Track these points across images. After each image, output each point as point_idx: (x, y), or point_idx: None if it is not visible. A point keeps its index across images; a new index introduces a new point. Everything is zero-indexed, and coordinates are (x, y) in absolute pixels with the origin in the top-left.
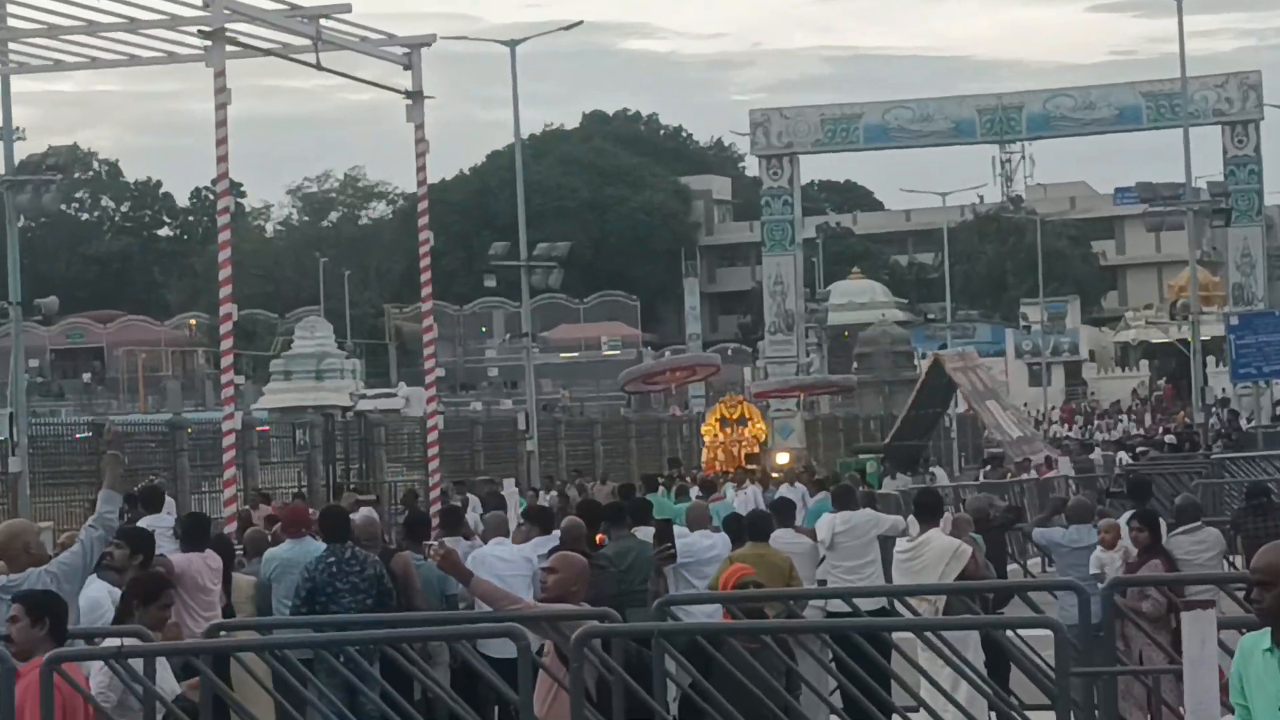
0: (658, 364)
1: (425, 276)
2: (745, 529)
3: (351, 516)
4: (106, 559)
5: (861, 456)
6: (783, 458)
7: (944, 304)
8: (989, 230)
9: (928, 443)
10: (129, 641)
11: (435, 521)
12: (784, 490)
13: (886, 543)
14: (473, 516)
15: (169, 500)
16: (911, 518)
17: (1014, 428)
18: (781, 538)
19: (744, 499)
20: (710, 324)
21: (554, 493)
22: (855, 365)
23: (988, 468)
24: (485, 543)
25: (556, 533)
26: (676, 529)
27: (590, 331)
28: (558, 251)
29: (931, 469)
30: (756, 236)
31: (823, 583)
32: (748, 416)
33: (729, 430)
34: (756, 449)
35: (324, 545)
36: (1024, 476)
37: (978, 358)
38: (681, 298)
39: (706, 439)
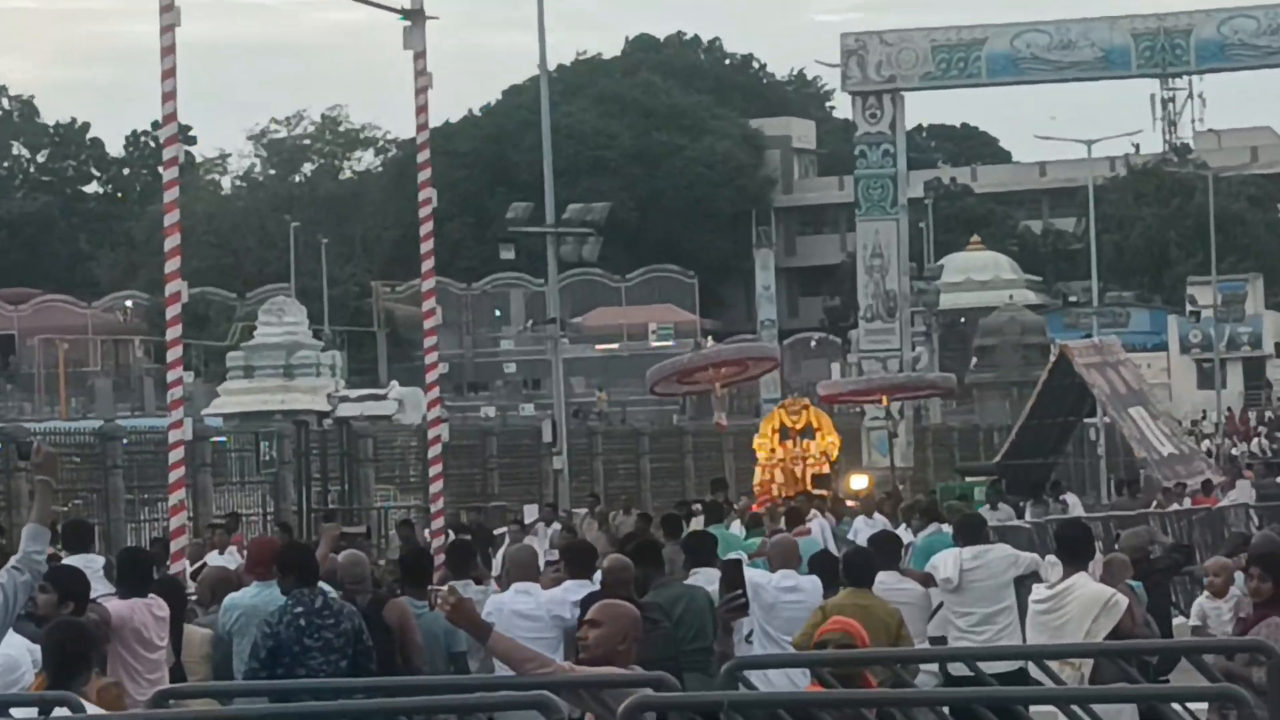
0: (696, 357)
1: (425, 246)
2: (842, 571)
3: (333, 554)
4: (30, 606)
5: (968, 479)
6: (859, 481)
7: (1088, 283)
8: (1146, 189)
9: (1056, 461)
10: (57, 712)
11: (439, 560)
12: (860, 523)
13: (1019, 589)
14: (541, 546)
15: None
16: (1051, 558)
17: (1164, 442)
18: (885, 583)
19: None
20: (788, 308)
21: (593, 521)
22: (975, 361)
23: (1121, 494)
24: (506, 587)
25: (596, 575)
26: (749, 570)
27: (635, 317)
28: (594, 215)
29: (1063, 496)
30: (848, 196)
31: (937, 640)
32: (815, 426)
33: (790, 444)
34: (826, 469)
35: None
36: (1173, 507)
37: (1120, 350)
38: (751, 274)
39: (760, 455)
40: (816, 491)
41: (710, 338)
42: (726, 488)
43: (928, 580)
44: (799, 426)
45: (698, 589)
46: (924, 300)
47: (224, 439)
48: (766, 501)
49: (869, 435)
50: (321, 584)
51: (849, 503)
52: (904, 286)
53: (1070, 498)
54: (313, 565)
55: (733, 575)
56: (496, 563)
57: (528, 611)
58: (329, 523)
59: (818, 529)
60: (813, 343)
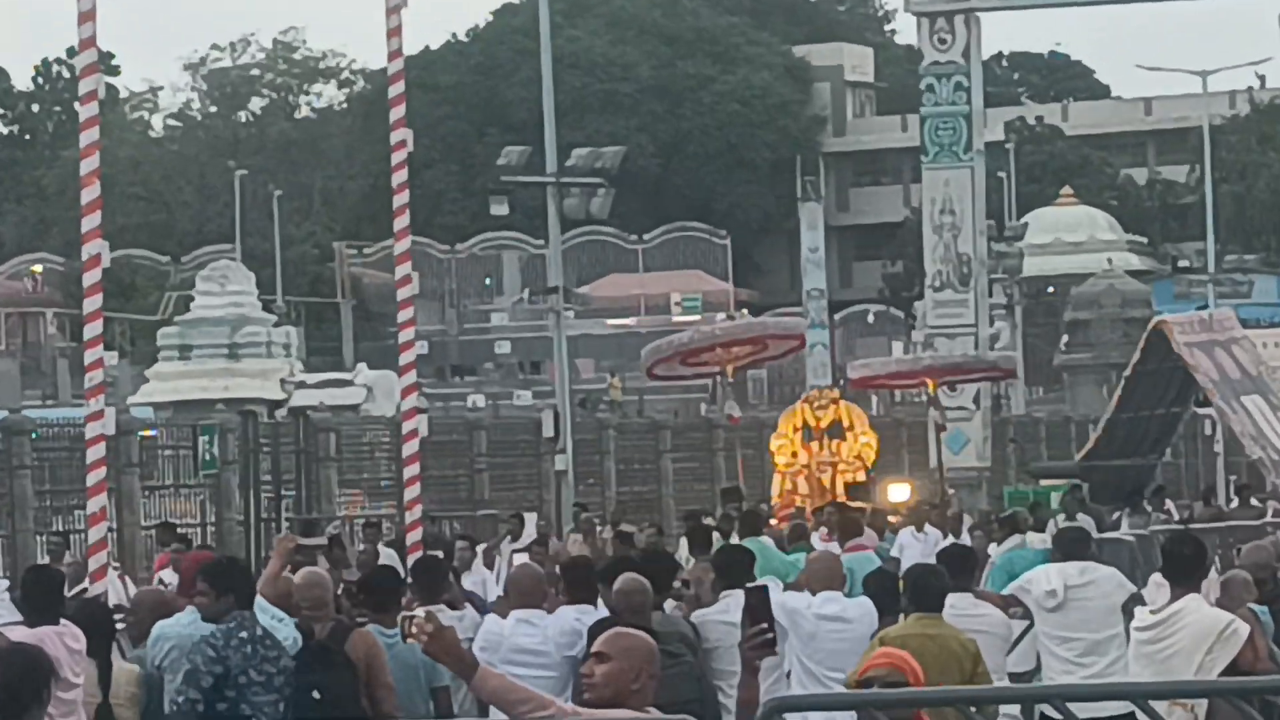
0: (702, 334)
1: (399, 200)
2: (906, 593)
3: (285, 574)
4: None
5: (1042, 484)
6: (900, 491)
7: (1203, 245)
8: (1274, 130)
9: (1154, 463)
10: None
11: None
12: (907, 538)
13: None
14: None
15: None
16: (1156, 577)
17: None
18: (955, 607)
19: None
20: (841, 274)
21: (578, 535)
22: (1066, 339)
23: (1233, 503)
24: (505, 613)
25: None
26: (787, 592)
27: (655, 286)
28: (605, 162)
29: (1167, 504)
30: (913, 139)
31: (1020, 678)
32: (846, 423)
33: (816, 446)
34: (862, 475)
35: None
36: None
37: (1234, 325)
38: (796, 234)
39: (779, 460)
40: (851, 503)
41: (745, 310)
42: (742, 497)
43: (1008, 604)
44: (825, 424)
45: (674, 619)
46: (1004, 266)
47: (154, 433)
48: (787, 516)
49: (937, 429)
50: (274, 610)
51: (890, 517)
52: (980, 249)
53: (1172, 506)
54: (251, 586)
55: (758, 604)
56: (475, 584)
57: (532, 646)
58: (282, 537)
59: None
60: (870, 317)
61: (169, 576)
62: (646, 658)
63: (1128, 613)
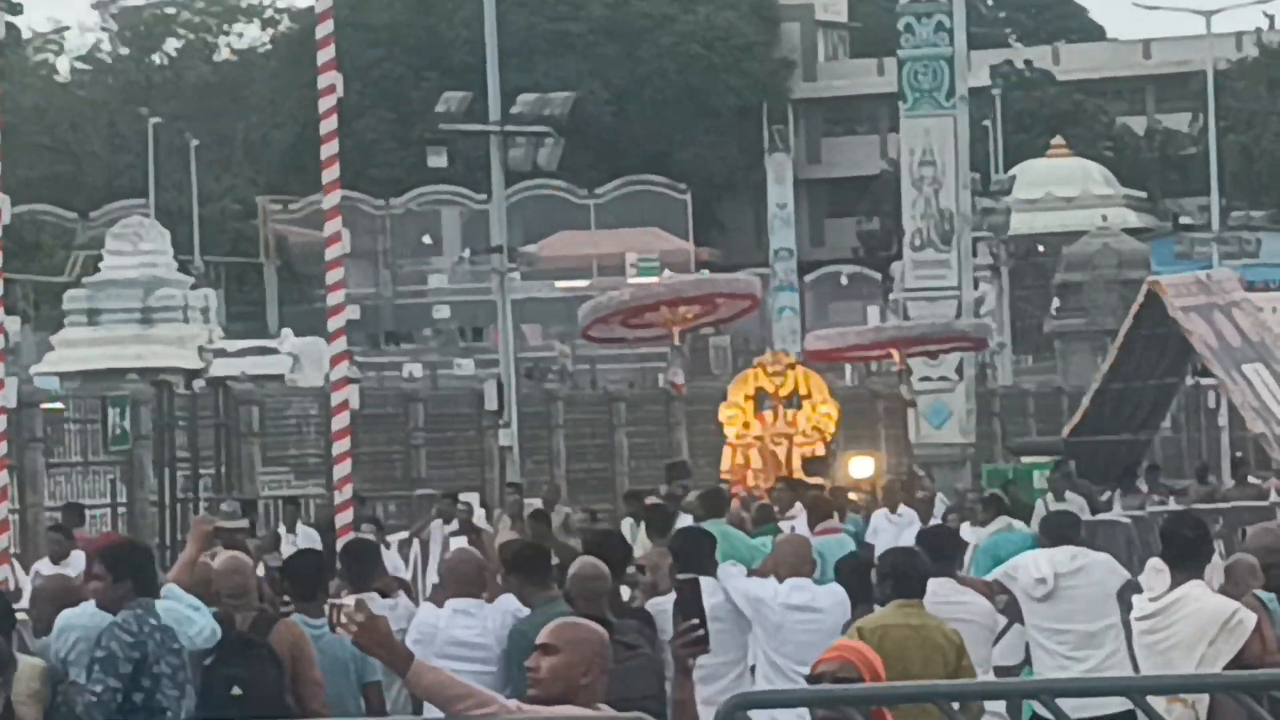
0: (644, 292)
1: (328, 150)
2: (882, 580)
3: (204, 559)
4: None
5: (1025, 461)
6: (862, 466)
7: (1206, 200)
8: None
9: (1150, 437)
10: None
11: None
12: (881, 521)
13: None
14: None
15: None
16: (1155, 562)
17: None
18: (937, 594)
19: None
20: (811, 232)
21: (506, 518)
22: (1057, 303)
23: (1230, 483)
24: (441, 602)
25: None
26: (752, 579)
27: (608, 244)
28: (553, 109)
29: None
30: (890, 85)
31: (1006, 673)
32: (804, 392)
33: (771, 416)
34: (820, 449)
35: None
36: None
37: (1235, 287)
38: (762, 189)
39: (730, 431)
40: (811, 480)
41: (707, 270)
42: (689, 473)
43: (993, 591)
44: (782, 392)
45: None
46: (990, 223)
47: (60, 405)
48: (738, 494)
49: (918, 400)
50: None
51: (851, 495)
52: (964, 204)
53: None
54: (152, 572)
55: (689, 597)
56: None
57: (470, 638)
58: (200, 517)
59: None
60: (843, 278)
61: (46, 568)
62: (597, 650)
63: (1124, 601)
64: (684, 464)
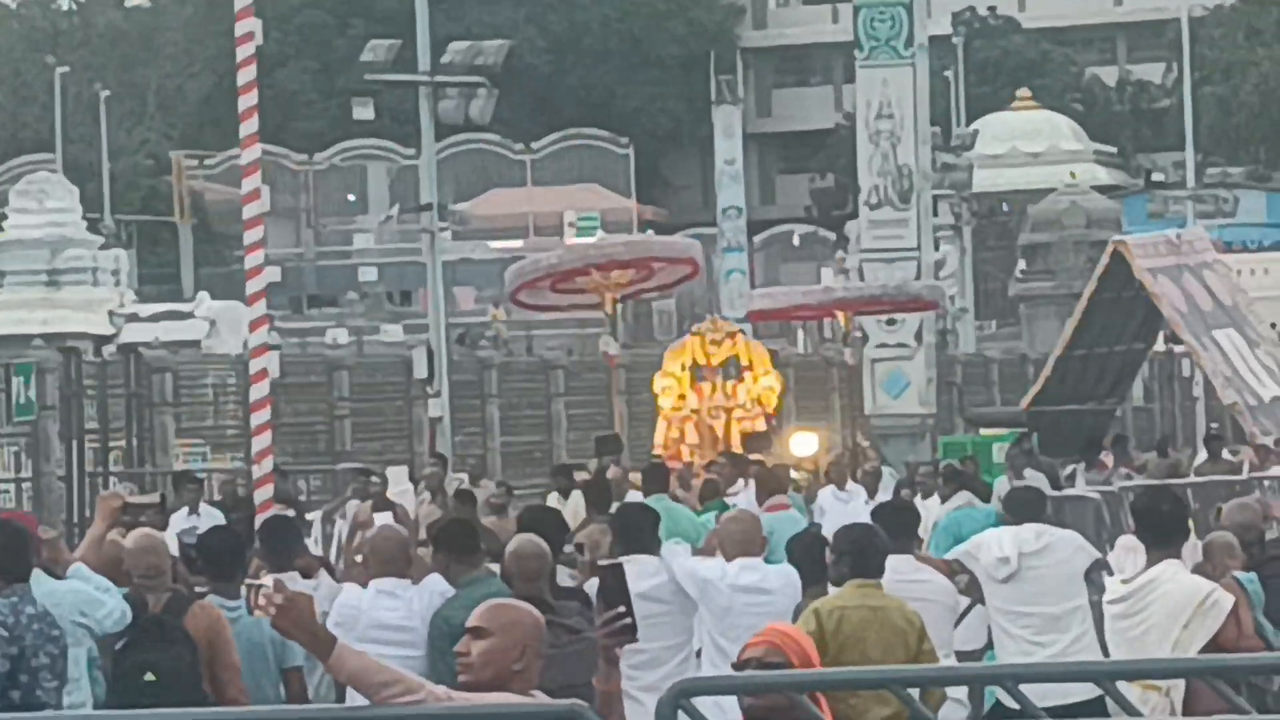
0: (573, 254)
1: (246, 102)
2: (839, 559)
3: (115, 536)
4: None
5: (984, 433)
6: (804, 443)
7: (1181, 155)
8: (1265, 23)
9: (1115, 407)
10: None
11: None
12: (828, 498)
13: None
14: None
15: None
16: (1128, 540)
17: (1264, 381)
18: (896, 572)
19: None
20: (762, 189)
21: (425, 493)
22: (1023, 264)
23: (1201, 457)
24: (364, 583)
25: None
26: (698, 558)
27: (545, 202)
28: (487, 58)
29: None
30: (845, 33)
31: (968, 657)
32: (745, 361)
33: (709, 388)
34: (762, 423)
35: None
36: (1274, 470)
37: (1206, 246)
38: (709, 143)
39: (663, 403)
40: (752, 456)
41: (651, 230)
42: (621, 448)
43: (954, 570)
44: (719, 362)
45: (492, 579)
46: (951, 180)
47: None
48: (673, 470)
49: (874, 370)
50: (97, 579)
51: (793, 473)
52: (923, 160)
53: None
54: (26, 554)
55: (613, 584)
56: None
57: (394, 620)
58: (107, 493)
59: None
60: (795, 239)
61: None
62: (532, 633)
63: (1093, 582)
64: (615, 438)
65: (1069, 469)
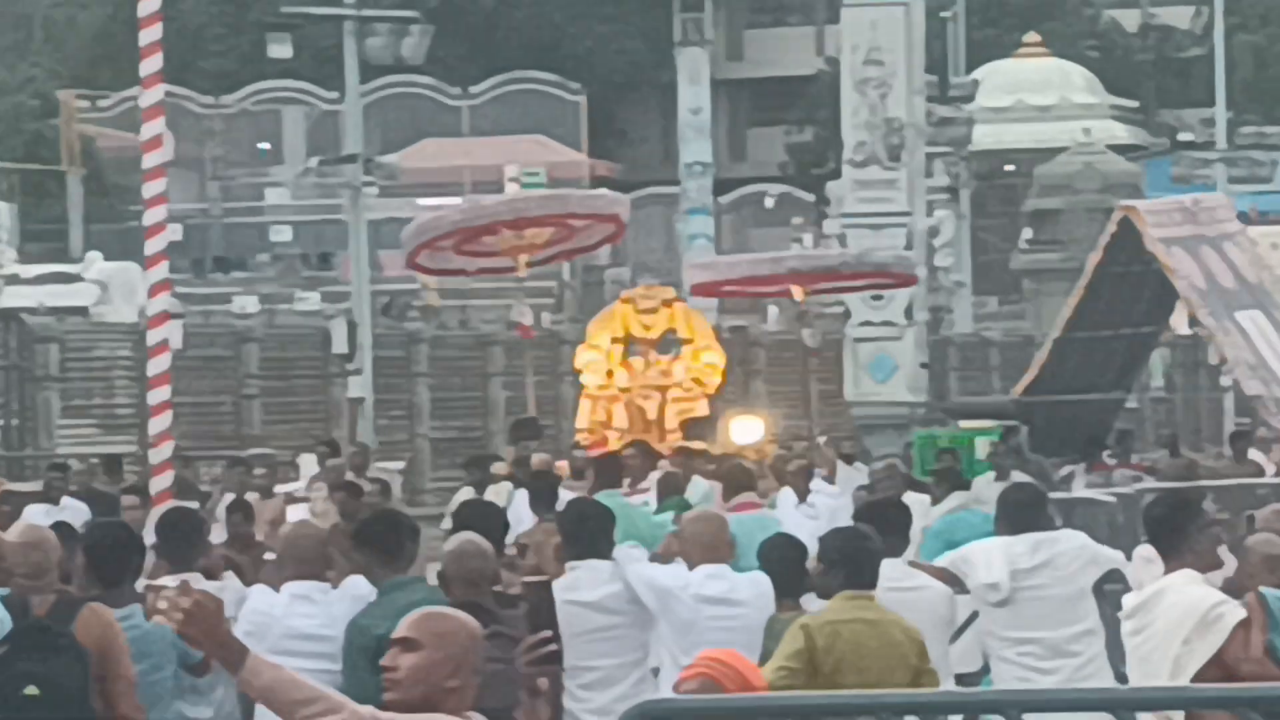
0: (479, 210)
1: (148, 36)
2: (829, 568)
3: None
4: None
5: (965, 426)
6: (746, 429)
7: (1210, 112)
8: None
9: (1121, 400)
10: None
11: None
12: (786, 501)
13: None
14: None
15: None
16: (1142, 553)
17: None
18: (888, 579)
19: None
20: (731, 143)
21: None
22: (1028, 234)
23: (1227, 452)
24: (277, 585)
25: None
26: (655, 565)
27: (485, 155)
28: None
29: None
30: None
31: (968, 681)
32: (684, 335)
33: (641, 364)
34: (703, 407)
35: None
36: None
37: (1229, 214)
38: (672, 90)
39: (588, 380)
40: (691, 446)
41: (604, 187)
42: (538, 434)
43: (951, 579)
44: (654, 334)
45: (424, 587)
46: (948, 136)
47: None
48: (595, 453)
49: (856, 351)
50: None
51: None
52: (917, 113)
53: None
54: None
55: (539, 603)
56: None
57: (311, 629)
58: None
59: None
60: (769, 200)
61: None
62: (467, 646)
63: (1104, 595)
64: (533, 421)
65: (1065, 470)
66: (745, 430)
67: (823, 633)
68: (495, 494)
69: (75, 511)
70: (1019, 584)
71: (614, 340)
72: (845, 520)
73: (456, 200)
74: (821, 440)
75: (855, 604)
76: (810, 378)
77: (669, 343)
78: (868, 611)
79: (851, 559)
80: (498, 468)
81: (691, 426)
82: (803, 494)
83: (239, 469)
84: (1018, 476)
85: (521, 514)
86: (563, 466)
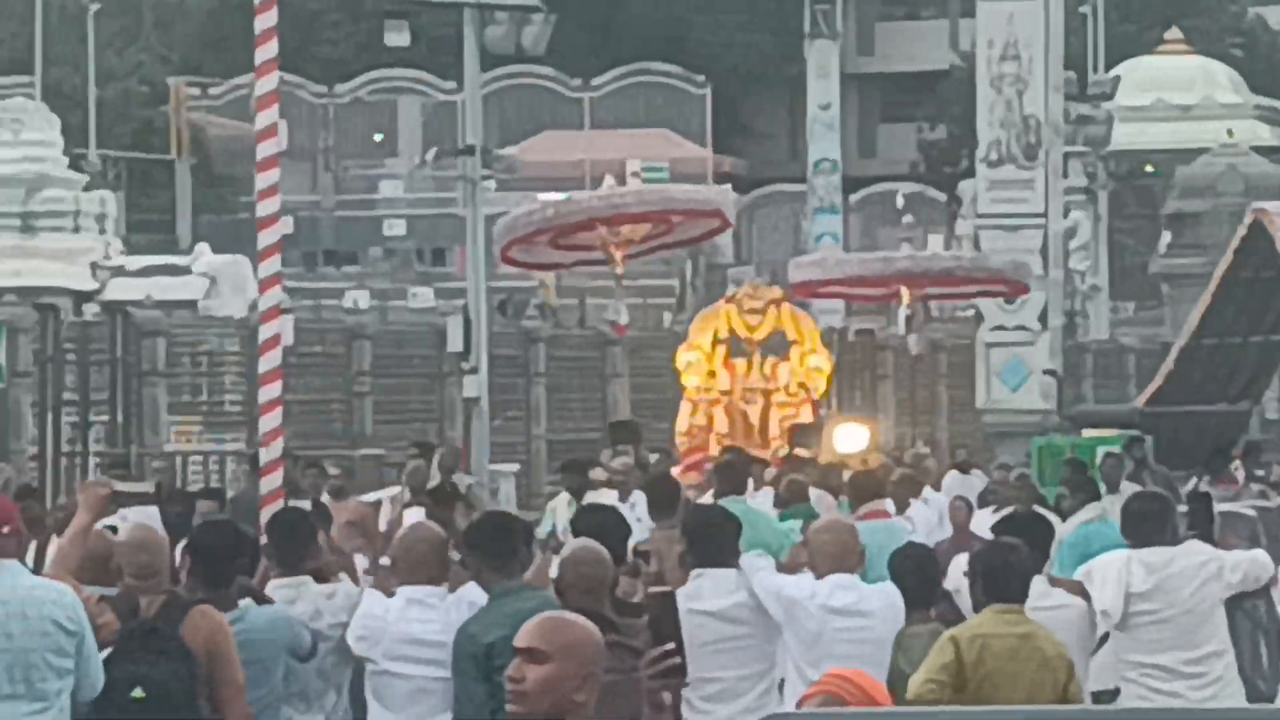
0: (577, 205)
1: (264, 22)
2: (973, 582)
3: (102, 526)
4: None
5: (1089, 433)
6: (850, 437)
7: None
8: None
9: (1249, 411)
10: None
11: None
12: (919, 514)
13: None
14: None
15: None
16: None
17: None
18: (1031, 597)
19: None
20: (862, 140)
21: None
22: (1167, 237)
23: None
24: (391, 591)
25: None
26: (782, 575)
27: (606, 148)
28: None
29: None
30: None
31: (1101, 696)
32: (791, 336)
33: (745, 366)
34: (808, 412)
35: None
36: None
37: None
38: (801, 84)
39: (688, 382)
40: (797, 453)
41: (728, 183)
42: (638, 438)
43: (1087, 595)
44: (758, 335)
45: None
46: (1086, 135)
47: None
48: (697, 466)
49: (989, 356)
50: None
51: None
52: (1054, 111)
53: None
54: None
55: (663, 615)
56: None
57: (426, 635)
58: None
59: (924, 514)
60: (899, 199)
61: None
62: (594, 656)
63: (1244, 612)
64: (631, 424)
65: (1190, 483)
66: (849, 438)
67: (972, 646)
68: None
69: (140, 513)
70: (1133, 608)
71: (716, 341)
72: (942, 533)
73: (575, 194)
74: (925, 450)
75: (1005, 618)
76: (940, 383)
77: (775, 343)
78: (1018, 626)
79: (994, 572)
80: (596, 473)
81: (798, 434)
82: (902, 506)
83: (313, 470)
84: (1128, 488)
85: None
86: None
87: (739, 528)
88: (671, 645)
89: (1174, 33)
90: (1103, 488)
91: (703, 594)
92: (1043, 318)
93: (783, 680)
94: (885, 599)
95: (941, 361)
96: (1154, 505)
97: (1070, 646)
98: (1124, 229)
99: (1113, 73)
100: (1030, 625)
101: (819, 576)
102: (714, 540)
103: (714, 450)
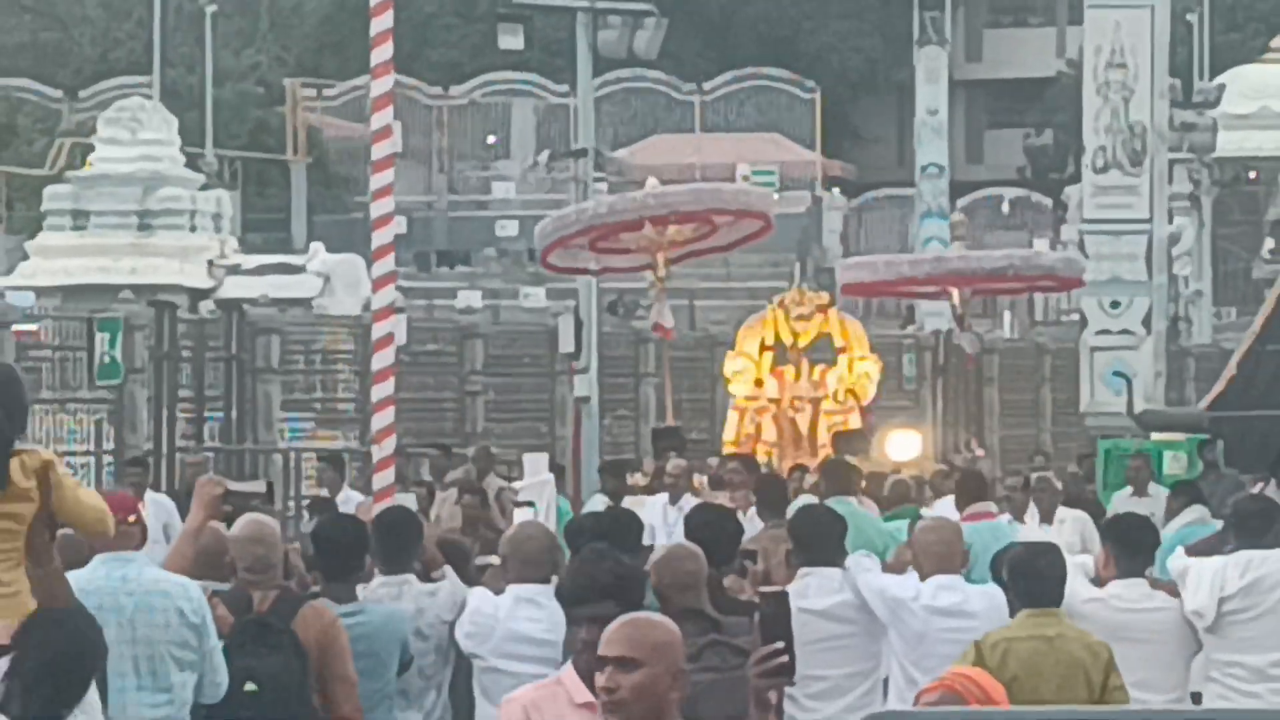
0: (620, 205)
1: (380, 24)
2: (1016, 584)
3: (214, 524)
4: None
5: (1157, 436)
6: (903, 444)
7: None
8: None
9: None
10: None
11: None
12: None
13: None
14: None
15: None
16: None
17: None
18: (1125, 600)
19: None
20: (969, 145)
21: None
22: (1270, 243)
23: None
24: (496, 589)
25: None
26: (888, 575)
27: (716, 152)
28: None
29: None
30: None
31: (1196, 697)
32: (840, 343)
33: (792, 373)
34: (856, 419)
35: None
36: None
37: None
38: (909, 90)
39: (735, 390)
40: (849, 458)
41: (837, 189)
42: (683, 443)
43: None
44: (805, 341)
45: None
46: (1191, 142)
47: (36, 327)
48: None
49: (1093, 360)
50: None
51: (897, 476)
52: (1160, 118)
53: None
54: None
55: (774, 614)
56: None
57: (535, 633)
58: (207, 475)
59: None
60: (1005, 204)
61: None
62: (680, 654)
63: None
64: (675, 430)
65: (1258, 486)
66: (903, 446)
67: (995, 651)
68: (633, 505)
69: (158, 506)
70: (1225, 609)
71: (764, 348)
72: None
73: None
74: (979, 453)
75: (1035, 621)
76: (1044, 387)
77: (823, 348)
78: (1047, 628)
79: (1026, 576)
80: (635, 478)
81: (847, 441)
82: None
83: (439, 452)
84: (1156, 490)
85: (654, 523)
86: (701, 482)
87: (845, 528)
88: (780, 644)
89: (1278, 41)
90: (1129, 490)
91: (808, 593)
92: (1146, 322)
93: (886, 679)
94: (989, 600)
95: (1045, 364)
96: (1262, 505)
97: (1167, 651)
98: (1227, 235)
99: (1217, 80)
100: (1062, 626)
101: (923, 577)
102: (820, 540)
103: (763, 456)
